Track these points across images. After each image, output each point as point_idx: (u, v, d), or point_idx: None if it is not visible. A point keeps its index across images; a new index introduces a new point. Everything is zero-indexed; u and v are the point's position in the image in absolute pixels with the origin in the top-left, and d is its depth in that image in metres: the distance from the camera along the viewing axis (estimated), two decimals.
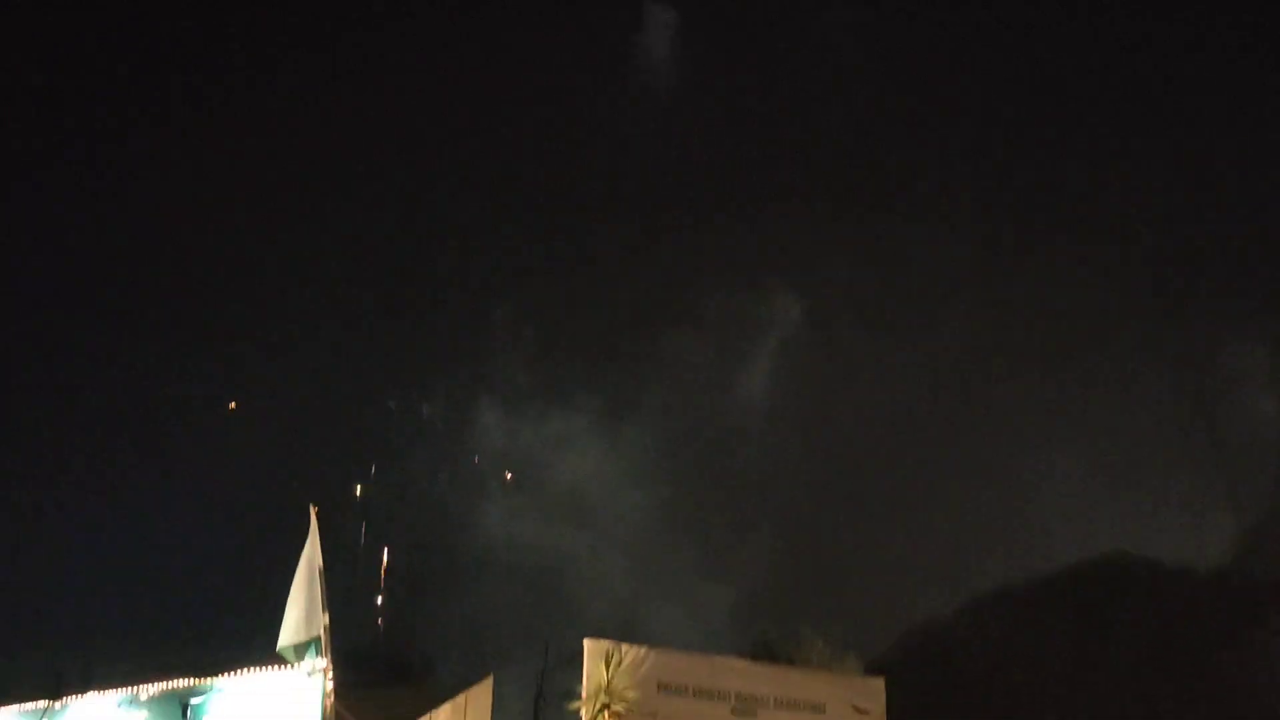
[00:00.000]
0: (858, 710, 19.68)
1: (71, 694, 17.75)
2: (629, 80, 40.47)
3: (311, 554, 16.37)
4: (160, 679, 16.95)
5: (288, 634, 16.06)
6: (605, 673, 17.46)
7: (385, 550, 35.06)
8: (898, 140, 39.54)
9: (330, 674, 15.54)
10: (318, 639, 15.73)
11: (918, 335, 37.83)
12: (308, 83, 39.31)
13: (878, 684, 20.32)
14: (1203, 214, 36.25)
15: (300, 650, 16.00)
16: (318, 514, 16.61)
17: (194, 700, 16.27)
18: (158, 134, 39.52)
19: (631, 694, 17.40)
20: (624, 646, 18.26)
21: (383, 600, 34.29)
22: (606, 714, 17.14)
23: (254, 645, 18.39)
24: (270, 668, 16.13)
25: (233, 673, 16.33)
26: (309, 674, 15.56)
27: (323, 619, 15.73)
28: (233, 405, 34.69)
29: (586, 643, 18.29)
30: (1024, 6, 38.78)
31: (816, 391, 37.34)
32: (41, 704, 17.67)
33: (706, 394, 38.41)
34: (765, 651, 24.37)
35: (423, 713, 17.59)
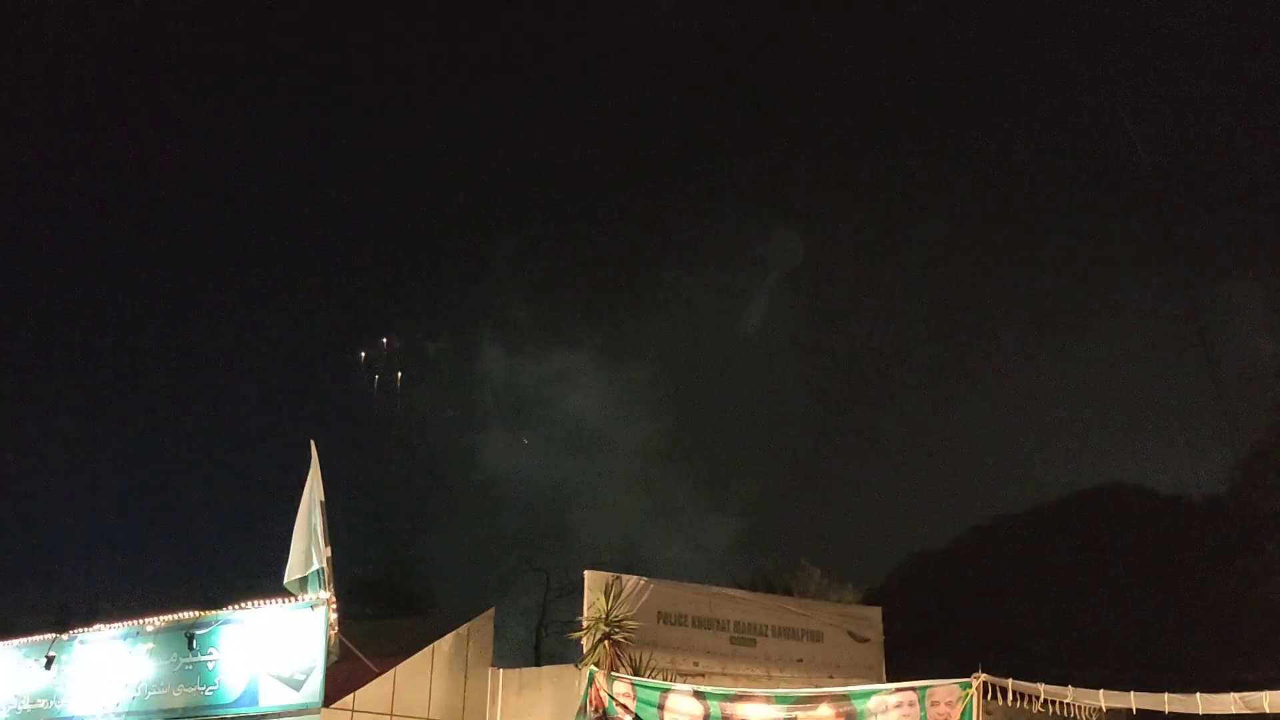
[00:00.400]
0: (855, 638, 19.86)
1: (77, 627, 17.98)
2: (628, 17, 40.09)
3: (313, 488, 16.45)
4: (165, 612, 17.17)
5: (293, 567, 16.18)
6: (605, 603, 17.57)
7: (388, 484, 35.32)
8: (896, 79, 39.25)
9: (333, 606, 15.69)
10: (320, 571, 15.85)
11: (915, 269, 37.81)
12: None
13: (875, 613, 20.49)
14: (1202, 147, 36.02)
15: (303, 582, 16.13)
16: (318, 448, 16.68)
17: (199, 632, 16.48)
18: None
19: (632, 624, 17.52)
20: (624, 577, 18.36)
21: (386, 533, 34.56)
22: (607, 644, 17.26)
23: (258, 577, 18.60)
24: (275, 600, 16.28)
25: (237, 605, 16.51)
26: (312, 606, 15.71)
27: (325, 552, 15.83)
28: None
29: (587, 574, 18.39)
30: None
31: (815, 326, 37.44)
32: (49, 636, 17.89)
33: (706, 329, 38.45)
34: (763, 581, 24.61)
35: (426, 644, 17.77)
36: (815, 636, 19.67)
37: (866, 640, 19.91)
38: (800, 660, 19.28)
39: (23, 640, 18.42)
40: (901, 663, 19.83)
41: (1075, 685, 13.53)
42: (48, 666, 17.52)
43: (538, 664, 22.64)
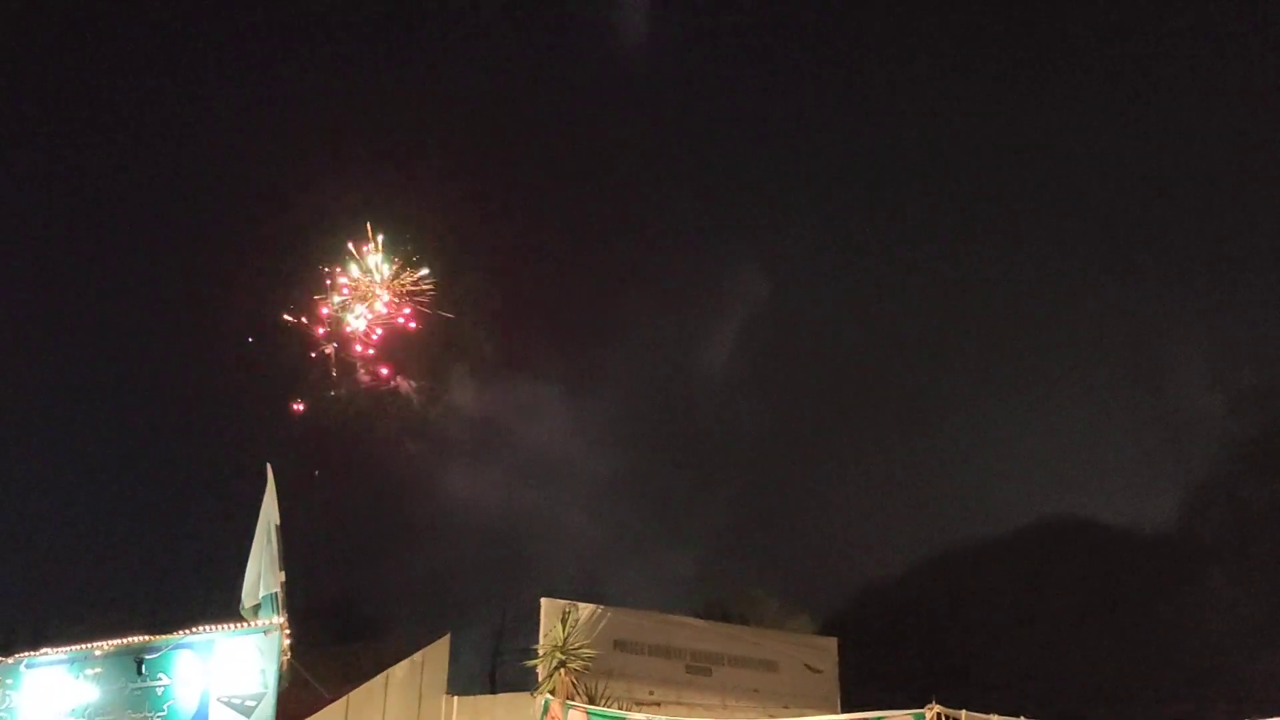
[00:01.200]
0: (810, 668, 19.95)
1: (22, 651, 17.66)
2: (598, 55, 40.43)
3: (268, 512, 16.35)
4: (114, 636, 16.93)
5: (248, 591, 16.05)
6: (562, 630, 17.55)
7: (344, 509, 35.00)
8: (859, 120, 39.80)
9: (287, 631, 15.56)
10: (274, 595, 15.73)
11: (872, 306, 38.29)
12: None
13: (830, 643, 20.59)
14: (1153, 196, 36.80)
15: (257, 607, 15.99)
16: (274, 472, 16.60)
17: (149, 656, 16.27)
18: None
19: (588, 652, 17.49)
20: (580, 605, 18.35)
21: (341, 558, 34.21)
22: (563, 672, 17.23)
23: (211, 601, 18.39)
24: (227, 624, 16.12)
25: (189, 629, 16.33)
26: (266, 631, 15.57)
27: (279, 576, 15.73)
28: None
29: (543, 601, 18.34)
30: None
31: (773, 361, 37.71)
32: None
33: (669, 364, 38.72)
34: (719, 610, 24.64)
35: (379, 670, 17.64)
36: (771, 666, 19.73)
37: (821, 671, 20.00)
38: (756, 690, 19.33)
39: None
40: (856, 693, 19.91)
41: (1027, 715, 13.66)
42: None
43: (493, 692, 22.50)
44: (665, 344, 38.47)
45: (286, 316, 30.80)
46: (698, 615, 22.78)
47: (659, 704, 18.04)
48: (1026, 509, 33.38)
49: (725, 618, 23.27)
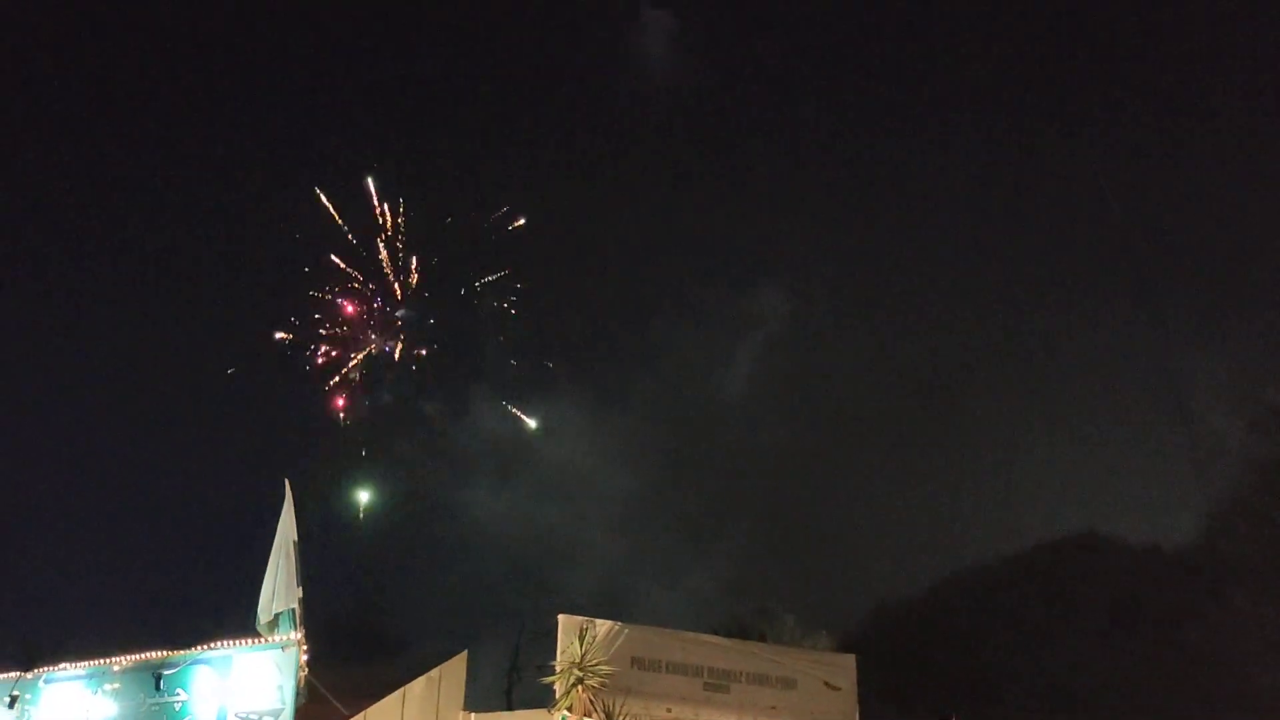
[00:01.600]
0: (829, 686, 19.78)
1: (43, 666, 17.71)
2: (624, 73, 40.79)
3: (286, 528, 16.35)
4: (132, 651, 16.95)
5: (265, 607, 16.05)
6: (579, 647, 17.48)
7: (361, 526, 35.14)
8: (884, 144, 39.90)
9: (304, 647, 15.55)
10: (292, 611, 15.71)
11: (897, 329, 38.34)
12: None
13: (848, 660, 20.43)
14: (1180, 217, 36.67)
15: (274, 623, 15.99)
16: (292, 488, 16.61)
17: (167, 672, 16.27)
18: None
19: (605, 669, 17.42)
20: (597, 622, 18.28)
21: (360, 575, 34.32)
22: (580, 689, 17.16)
23: (228, 617, 18.41)
24: (245, 640, 16.12)
25: (207, 645, 16.33)
26: (283, 647, 15.56)
27: (297, 592, 15.71)
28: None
29: (560, 618, 18.28)
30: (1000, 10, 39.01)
31: (796, 382, 37.89)
32: (13, 675, 17.63)
33: (692, 383, 38.99)
34: (737, 627, 24.55)
35: (397, 687, 17.60)
36: (789, 684, 19.59)
37: (840, 689, 19.84)
38: (774, 707, 19.19)
39: None
40: (875, 711, 19.76)
41: None
42: (11, 705, 17.24)
43: (510, 708, 22.46)
44: (689, 363, 38.78)
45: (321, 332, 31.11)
46: (716, 632, 22.71)
47: None
48: (1047, 527, 33.28)
49: (744, 634, 23.17)
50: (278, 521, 16.52)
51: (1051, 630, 28.81)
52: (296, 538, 16.14)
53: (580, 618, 18.29)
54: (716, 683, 19.00)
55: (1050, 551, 32.06)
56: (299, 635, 15.51)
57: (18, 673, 17.67)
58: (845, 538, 35.83)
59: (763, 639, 22.57)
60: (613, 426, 37.12)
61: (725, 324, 39.29)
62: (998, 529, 34.73)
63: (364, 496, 34.15)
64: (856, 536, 36.01)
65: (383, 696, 17.27)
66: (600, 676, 17.41)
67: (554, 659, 17.96)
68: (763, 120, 41.11)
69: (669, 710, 18.28)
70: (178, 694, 16.16)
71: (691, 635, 19.92)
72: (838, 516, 36.60)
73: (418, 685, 17.88)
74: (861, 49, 39.39)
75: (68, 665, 17.40)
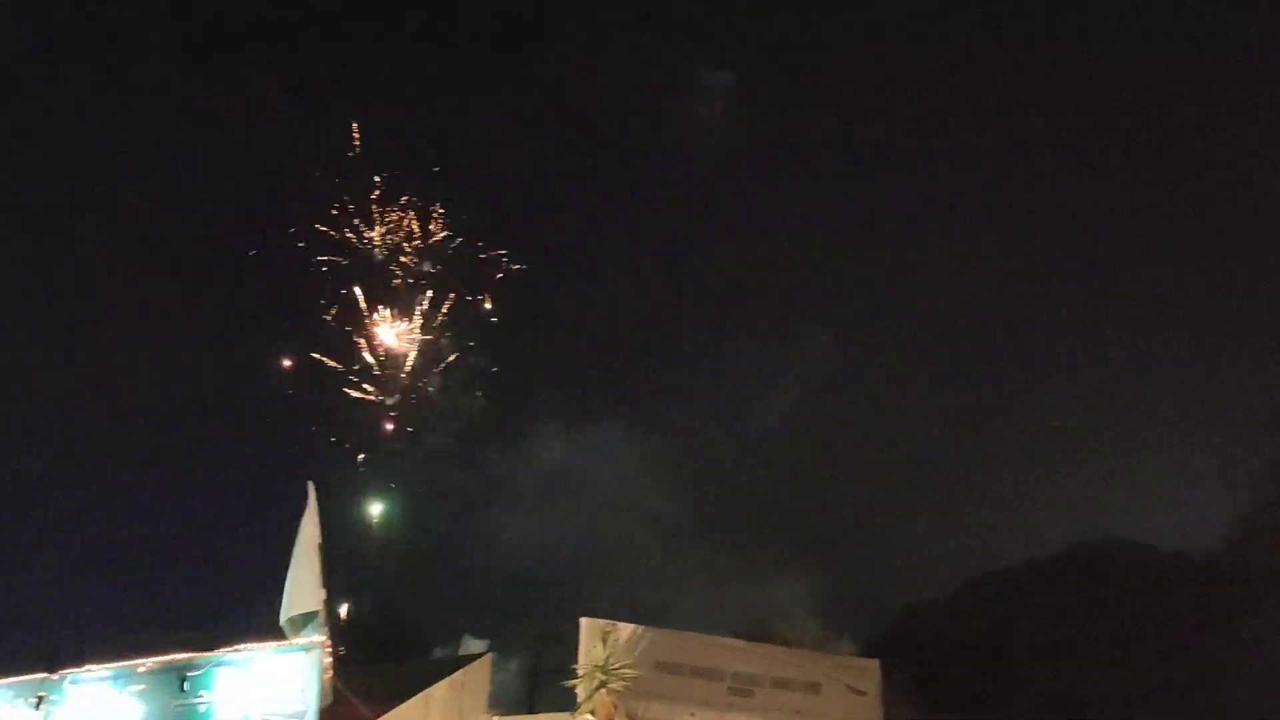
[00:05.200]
0: (853, 690, 19.71)
1: (68, 668, 17.77)
2: (665, 108, 41.51)
3: (310, 530, 16.37)
4: (157, 653, 16.99)
5: (288, 609, 16.07)
6: (602, 650, 17.43)
7: (385, 529, 35.33)
8: (917, 173, 40.33)
9: (328, 649, 15.56)
10: (315, 614, 15.74)
11: (925, 344, 38.62)
12: None
13: (872, 665, 20.35)
14: (1207, 213, 36.52)
15: (298, 625, 16.01)
16: (316, 490, 16.64)
17: (191, 674, 16.28)
18: None
19: (628, 672, 17.36)
20: (620, 625, 18.24)
21: (382, 578, 34.44)
22: (604, 693, 17.10)
23: (252, 620, 18.45)
24: (268, 642, 16.14)
25: (231, 647, 16.36)
26: (306, 649, 15.57)
27: (320, 594, 15.74)
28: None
29: (582, 621, 18.24)
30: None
31: (823, 393, 38.22)
32: (39, 676, 17.70)
33: (732, 410, 39.81)
34: (760, 632, 24.45)
35: (420, 689, 17.61)
36: (813, 688, 19.53)
37: (865, 693, 19.75)
38: (798, 712, 19.14)
39: (12, 680, 18.19)
40: (900, 716, 19.66)
41: None
42: (37, 707, 17.29)
43: (532, 712, 22.41)
44: (730, 391, 39.72)
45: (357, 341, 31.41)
46: (739, 636, 22.64)
47: None
48: (1072, 531, 33.04)
49: (767, 638, 23.08)
50: (300, 523, 16.56)
51: (1076, 636, 28.57)
52: (320, 540, 16.17)
53: (603, 621, 18.26)
54: (741, 687, 18.95)
55: (1074, 556, 31.82)
56: (323, 638, 15.52)
57: (43, 674, 17.74)
58: (868, 541, 35.81)
59: (785, 643, 22.44)
60: (649, 451, 37.77)
61: (763, 356, 40.03)
62: (1022, 534, 34.56)
63: (377, 507, 34.35)
64: (879, 540, 35.97)
65: (406, 699, 17.28)
66: (624, 680, 17.35)
67: (575, 663, 17.93)
68: (796, 152, 41.55)
69: (692, 715, 18.25)
70: (202, 696, 16.17)
71: (716, 639, 19.90)
72: (860, 519, 36.61)
73: (441, 688, 17.90)
74: (909, 87, 39.71)
75: (93, 666, 17.46)
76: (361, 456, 34.13)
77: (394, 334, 33.84)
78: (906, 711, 20.81)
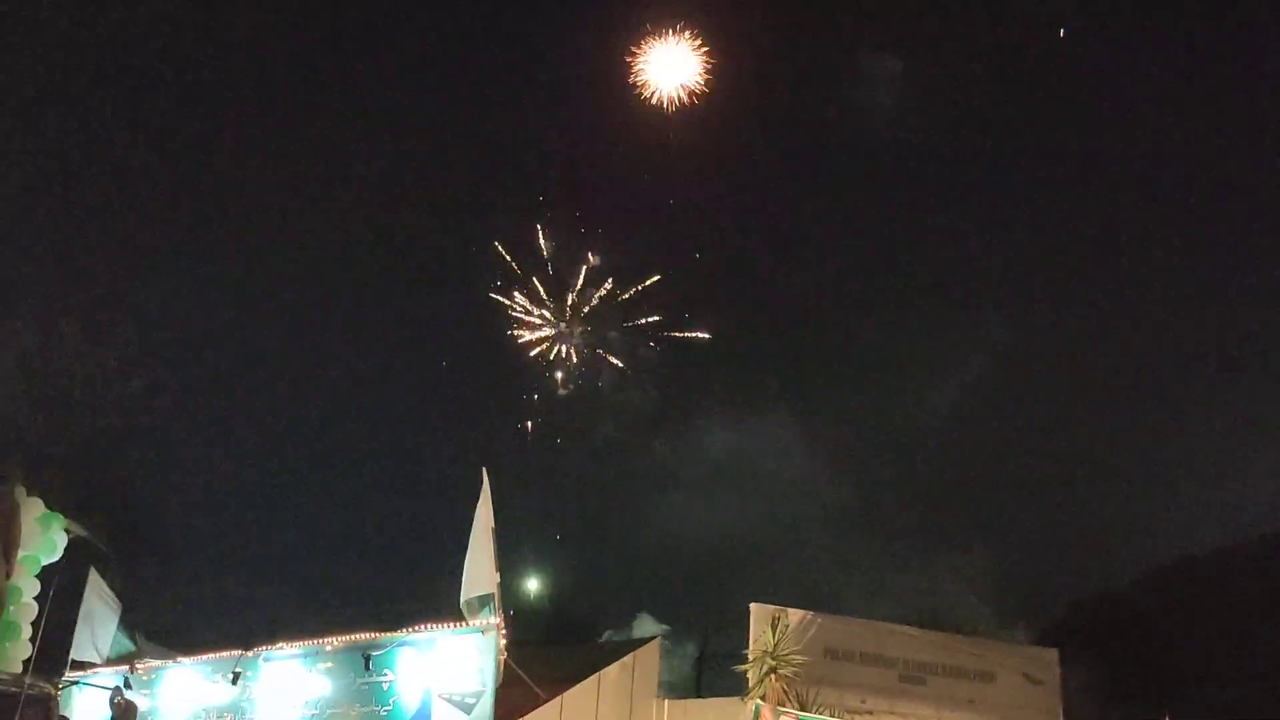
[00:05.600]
0: (1030, 680, 19.17)
1: (262, 645, 18.66)
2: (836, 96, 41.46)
3: (484, 515, 16.72)
4: (344, 633, 17.69)
5: (466, 591, 16.48)
6: (771, 636, 17.37)
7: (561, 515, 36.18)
8: (1101, 168, 39.52)
9: (503, 631, 15.90)
10: (491, 596, 16.07)
11: (1112, 330, 37.67)
12: None
13: (1051, 654, 19.72)
14: None
15: (475, 607, 16.40)
16: (489, 477, 16.98)
17: (375, 653, 16.91)
18: None
19: (798, 658, 17.27)
20: (790, 611, 18.15)
21: (556, 562, 35.19)
22: (774, 677, 17.05)
23: (432, 601, 19.02)
24: (447, 624, 16.60)
25: (412, 628, 16.90)
26: (483, 631, 15.96)
27: (495, 578, 16.06)
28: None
29: (752, 607, 18.21)
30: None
31: (998, 381, 37.59)
32: (236, 653, 18.65)
33: (899, 400, 39.52)
34: (933, 619, 24.00)
35: (592, 672, 17.87)
36: (987, 677, 19.09)
37: (1043, 683, 19.19)
38: (972, 701, 18.73)
39: (211, 656, 19.24)
40: (1079, 707, 19.06)
41: None
42: (234, 682, 18.23)
43: (699, 696, 22.53)
44: (896, 385, 39.42)
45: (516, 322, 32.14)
46: (910, 623, 22.27)
47: (871, 713, 17.72)
48: (1264, 520, 31.46)
49: (938, 625, 22.64)
50: (475, 509, 16.92)
51: (1267, 627, 27.17)
52: (494, 525, 16.50)
53: (772, 606, 18.20)
54: (912, 675, 18.66)
55: (1270, 543, 30.26)
56: (498, 620, 15.87)
57: (240, 651, 18.68)
58: (1042, 529, 34.88)
59: (957, 631, 21.96)
60: (820, 438, 37.76)
61: (936, 344, 39.56)
62: (1207, 521, 33.14)
63: (548, 494, 35.19)
64: (1054, 528, 34.99)
65: (579, 681, 17.56)
66: (793, 666, 17.28)
67: (743, 648, 17.92)
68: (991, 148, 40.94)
69: (863, 701, 18.04)
70: (385, 674, 16.79)
71: (887, 626, 19.59)
72: (1033, 507, 35.71)
73: (613, 670, 18.14)
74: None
75: (284, 645, 18.30)
76: (530, 430, 34.81)
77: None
78: (1086, 702, 20.15)
